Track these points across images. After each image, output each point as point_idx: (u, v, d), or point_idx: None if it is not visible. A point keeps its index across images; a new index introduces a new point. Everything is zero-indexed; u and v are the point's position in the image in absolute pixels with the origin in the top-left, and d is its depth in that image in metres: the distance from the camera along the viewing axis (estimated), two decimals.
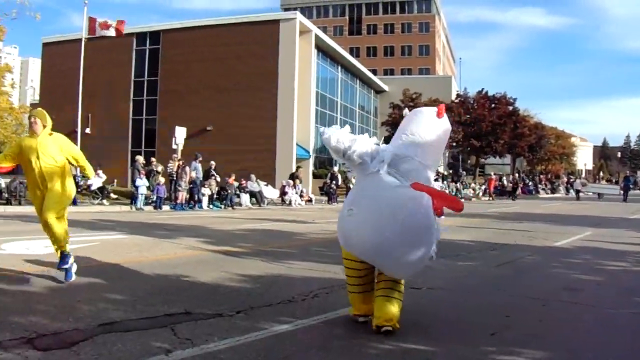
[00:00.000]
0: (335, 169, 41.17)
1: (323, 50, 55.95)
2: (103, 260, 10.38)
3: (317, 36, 51.85)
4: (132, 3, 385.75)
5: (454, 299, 8.33)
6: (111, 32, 34.46)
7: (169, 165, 30.19)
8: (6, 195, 24.99)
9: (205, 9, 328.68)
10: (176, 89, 47.78)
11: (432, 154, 6.67)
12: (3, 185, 25.59)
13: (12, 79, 39.72)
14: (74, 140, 32.00)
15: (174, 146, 32.60)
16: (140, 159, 30.16)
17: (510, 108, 69.41)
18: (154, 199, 28.30)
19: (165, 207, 28.32)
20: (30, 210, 22.71)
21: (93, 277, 8.85)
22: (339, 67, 62.17)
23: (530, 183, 68.63)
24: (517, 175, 67.17)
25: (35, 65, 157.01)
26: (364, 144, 6.17)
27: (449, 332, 6.40)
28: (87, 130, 44.37)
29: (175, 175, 29.15)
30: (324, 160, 55.80)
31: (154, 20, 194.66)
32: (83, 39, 34.36)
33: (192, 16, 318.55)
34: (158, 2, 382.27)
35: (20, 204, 24.63)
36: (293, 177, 37.24)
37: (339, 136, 6.21)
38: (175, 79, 48.21)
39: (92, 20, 34.36)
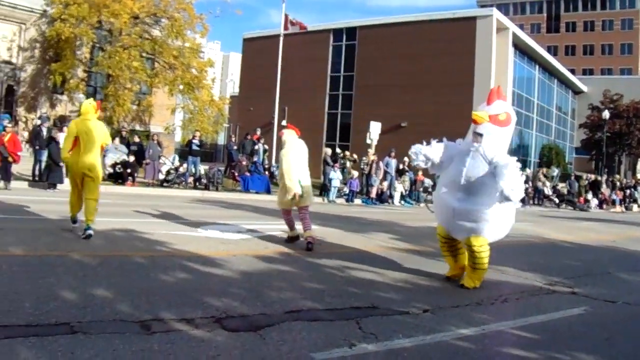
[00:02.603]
0: (529, 171, 40.07)
1: (520, 49, 54.27)
2: (294, 250, 10.55)
3: (514, 34, 50.45)
4: (328, 0, 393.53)
5: None
6: (296, 29, 35.24)
7: (363, 159, 30.44)
8: (205, 181, 26.03)
9: (400, 6, 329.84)
10: (372, 85, 48.09)
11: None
12: (202, 172, 26.69)
13: (214, 73, 41.32)
14: (271, 131, 33.00)
15: (368, 141, 32.83)
16: (328, 151, 30.56)
17: None
18: (346, 192, 28.55)
19: (357, 201, 28.47)
20: (227, 196, 23.61)
21: (284, 265, 9.05)
22: (537, 66, 59.99)
23: None
24: None
25: (235, 60, 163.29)
26: None
27: None
28: (284, 123, 45.53)
29: (368, 170, 29.30)
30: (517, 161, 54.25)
31: (350, 17, 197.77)
32: (281, 35, 35.26)
33: (387, 13, 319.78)
34: None
35: (217, 190, 25.57)
36: None
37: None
38: (371, 74, 48.55)
39: (286, 17, 35.27)
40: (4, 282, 6.68)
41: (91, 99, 11.51)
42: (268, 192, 25.43)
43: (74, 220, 10.64)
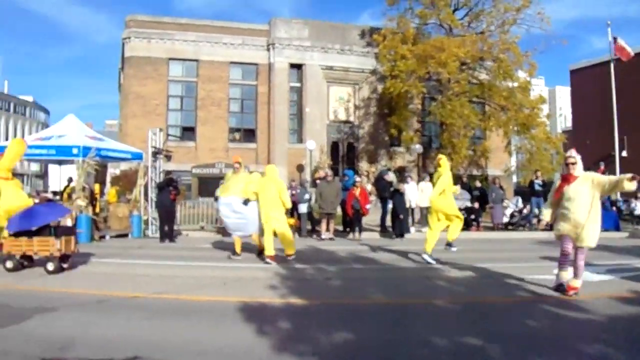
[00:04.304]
0: None
1: None
2: None
3: None
4: None
5: None
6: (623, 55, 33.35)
7: None
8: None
9: None
10: None
11: None
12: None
13: (544, 109, 40.54)
14: (611, 164, 31.48)
15: None
16: None
17: None
18: None
19: None
20: None
21: None
22: None
23: None
24: None
25: (562, 93, 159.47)
26: None
27: None
28: (624, 154, 43.25)
29: None
30: None
31: None
32: (611, 61, 33.75)
33: None
34: None
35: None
36: None
37: None
38: None
39: (615, 40, 33.67)
40: (372, 328, 7.02)
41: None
42: (617, 229, 24.05)
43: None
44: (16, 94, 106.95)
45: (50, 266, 11.11)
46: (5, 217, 11.50)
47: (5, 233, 11.45)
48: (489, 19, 35.87)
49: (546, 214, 10.06)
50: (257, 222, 13.81)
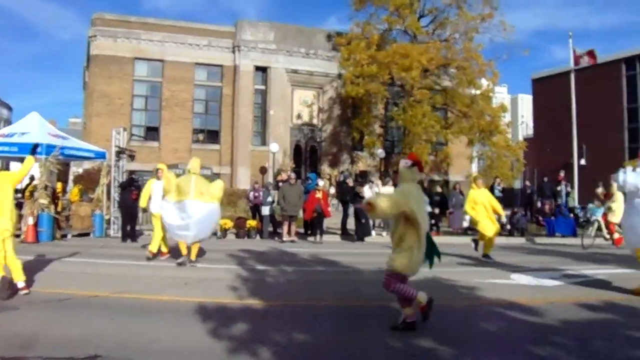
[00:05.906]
0: None
1: None
2: (617, 297, 9.75)
3: None
4: (613, 28, 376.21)
5: None
6: (585, 62, 33.75)
7: None
8: (508, 227, 25.55)
9: None
10: None
11: None
12: (504, 219, 26.23)
13: (505, 117, 41.05)
14: (570, 172, 31.87)
15: None
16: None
17: None
18: None
19: None
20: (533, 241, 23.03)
21: (606, 312, 8.51)
22: None
23: None
24: None
25: (524, 102, 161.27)
26: None
27: None
28: (582, 162, 43.86)
29: None
30: None
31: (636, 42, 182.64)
32: (572, 72, 34.18)
33: None
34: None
35: (522, 235, 24.91)
36: None
37: None
38: None
39: (574, 51, 34.12)
40: (330, 330, 7.19)
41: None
42: (574, 235, 24.44)
43: None
44: None
45: None
46: None
47: None
48: (454, 27, 36.26)
49: None
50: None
